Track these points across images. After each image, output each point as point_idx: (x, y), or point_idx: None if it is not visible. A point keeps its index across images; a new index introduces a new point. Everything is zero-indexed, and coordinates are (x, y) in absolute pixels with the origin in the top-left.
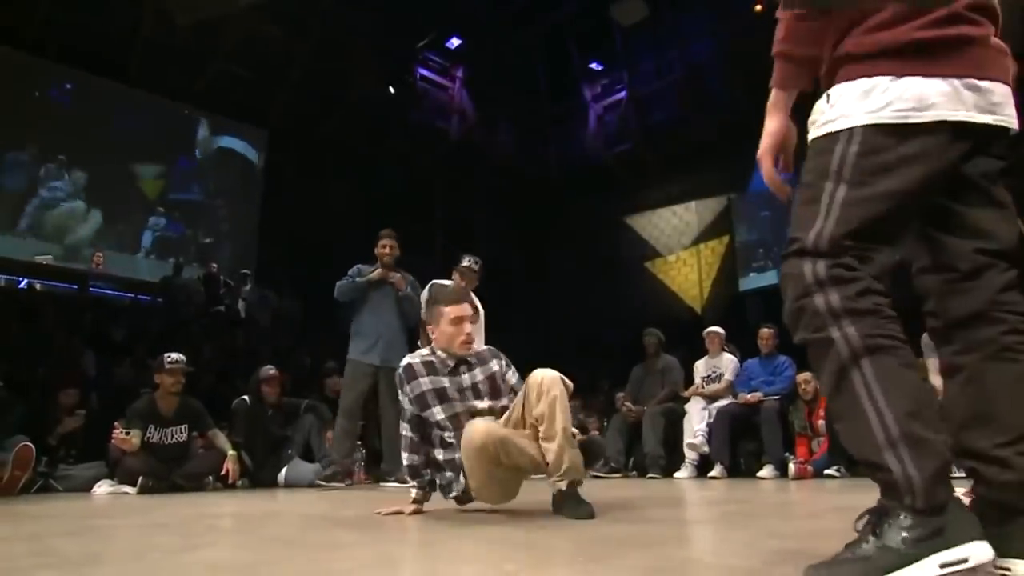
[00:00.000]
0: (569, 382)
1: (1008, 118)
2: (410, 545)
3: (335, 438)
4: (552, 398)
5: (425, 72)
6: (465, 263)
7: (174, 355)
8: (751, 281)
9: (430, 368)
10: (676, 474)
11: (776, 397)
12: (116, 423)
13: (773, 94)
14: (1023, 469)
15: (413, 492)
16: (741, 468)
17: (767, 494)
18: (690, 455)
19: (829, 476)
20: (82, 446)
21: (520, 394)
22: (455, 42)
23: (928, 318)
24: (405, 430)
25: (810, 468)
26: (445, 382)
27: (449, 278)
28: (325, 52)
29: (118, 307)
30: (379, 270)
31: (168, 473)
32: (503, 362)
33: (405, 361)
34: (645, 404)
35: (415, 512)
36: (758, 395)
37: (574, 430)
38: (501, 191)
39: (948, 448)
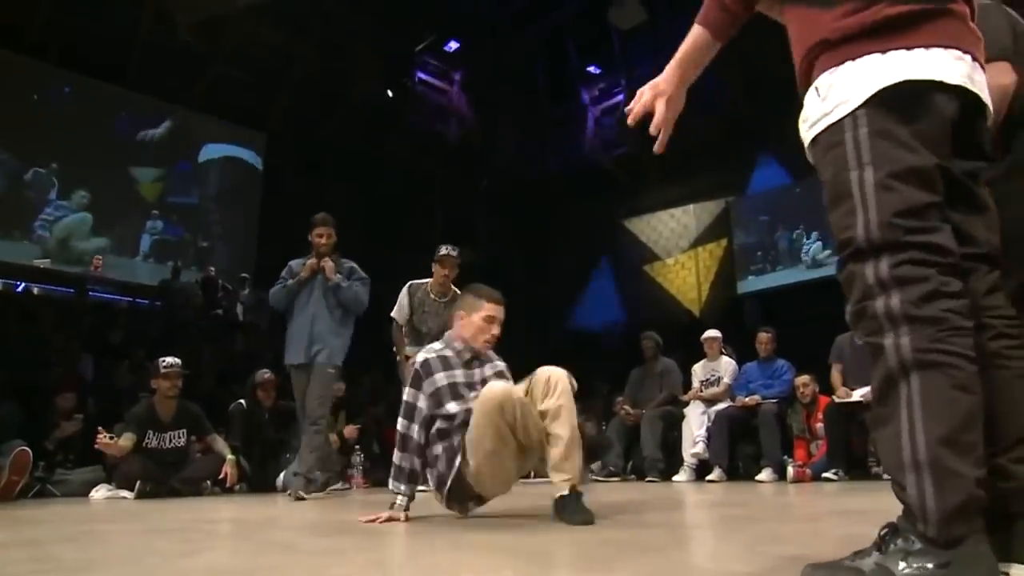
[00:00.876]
0: (575, 382)
1: (984, 95)
2: (408, 551)
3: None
4: (561, 395)
5: (424, 75)
6: (443, 251)
7: (169, 359)
8: (749, 284)
9: (445, 363)
10: (675, 477)
11: (774, 400)
12: (99, 428)
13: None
14: (1022, 477)
15: (398, 499)
16: (739, 471)
17: (765, 497)
18: (689, 459)
19: (827, 479)
20: (80, 450)
21: (524, 384)
22: (453, 45)
23: None
24: (408, 429)
25: (808, 471)
26: (459, 376)
27: (452, 278)
28: (324, 55)
29: (116, 311)
30: (309, 263)
31: (166, 478)
32: (501, 364)
33: (421, 356)
34: (643, 407)
35: (391, 520)
36: (756, 398)
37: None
38: (500, 194)
39: (981, 483)
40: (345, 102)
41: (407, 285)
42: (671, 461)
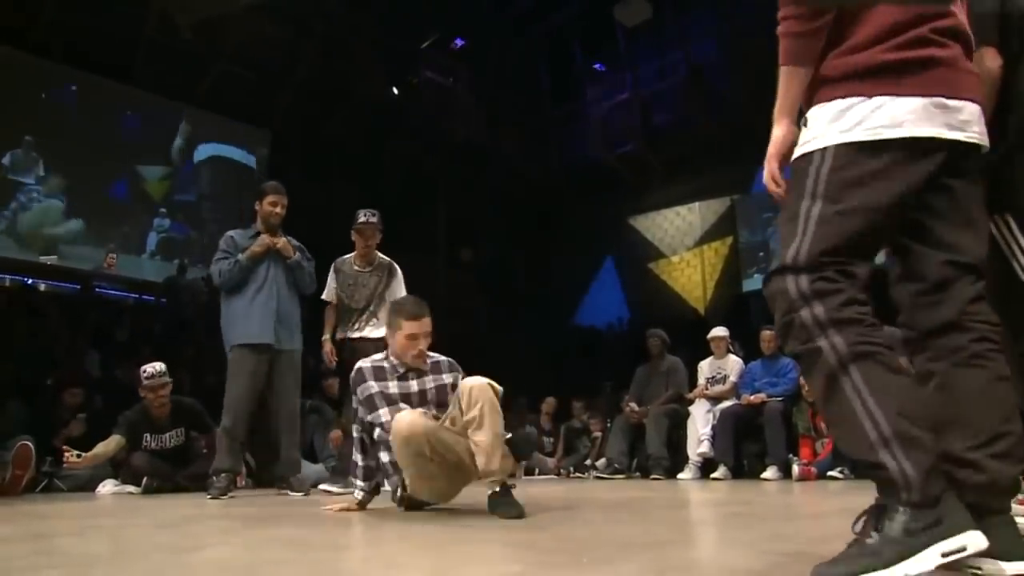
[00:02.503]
0: (498, 387)
1: (977, 136)
2: (414, 546)
3: (220, 446)
4: (480, 405)
5: (429, 73)
6: (362, 219)
7: (150, 368)
8: (754, 282)
9: (379, 373)
10: (679, 475)
11: (780, 398)
12: (66, 447)
13: (780, 94)
14: (993, 471)
15: (359, 495)
16: (744, 469)
17: (771, 496)
18: (694, 457)
19: (833, 478)
20: (87, 448)
21: (454, 399)
22: (459, 43)
23: (902, 329)
24: (356, 432)
25: (814, 470)
26: (392, 387)
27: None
28: (329, 53)
29: (122, 308)
30: (263, 238)
31: (172, 474)
32: (458, 376)
33: (357, 365)
34: (649, 405)
35: (346, 509)
36: (762, 396)
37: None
38: (504, 192)
39: (937, 444)
40: (349, 100)
41: (333, 264)
42: (676, 459)
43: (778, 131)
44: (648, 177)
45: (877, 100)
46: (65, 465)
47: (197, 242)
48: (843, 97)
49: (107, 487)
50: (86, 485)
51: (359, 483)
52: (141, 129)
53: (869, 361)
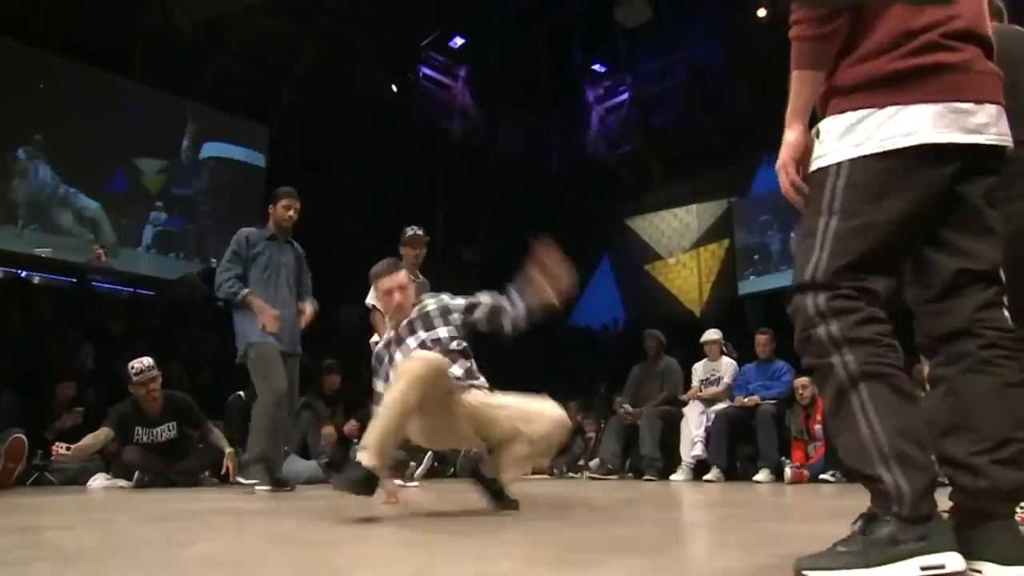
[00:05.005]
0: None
1: (998, 137)
2: (407, 542)
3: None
4: (547, 438)
5: (429, 71)
6: (411, 232)
7: (138, 364)
8: (750, 285)
9: (387, 347)
10: (672, 477)
11: (773, 401)
12: (56, 442)
13: (791, 98)
14: (995, 477)
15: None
16: (737, 472)
17: (763, 498)
18: (687, 458)
19: (824, 481)
20: (78, 439)
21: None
22: (459, 41)
23: (917, 335)
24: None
25: (806, 472)
26: (396, 354)
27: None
28: (329, 50)
29: (117, 301)
30: (268, 310)
31: (164, 468)
32: (443, 301)
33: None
34: (643, 405)
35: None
36: (755, 399)
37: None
38: (503, 191)
39: (934, 465)
40: (349, 97)
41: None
42: (669, 460)
43: (791, 135)
44: (646, 178)
45: (889, 110)
46: (53, 458)
47: (193, 236)
48: (855, 109)
49: (98, 481)
50: (77, 479)
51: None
52: (140, 122)
53: (878, 381)
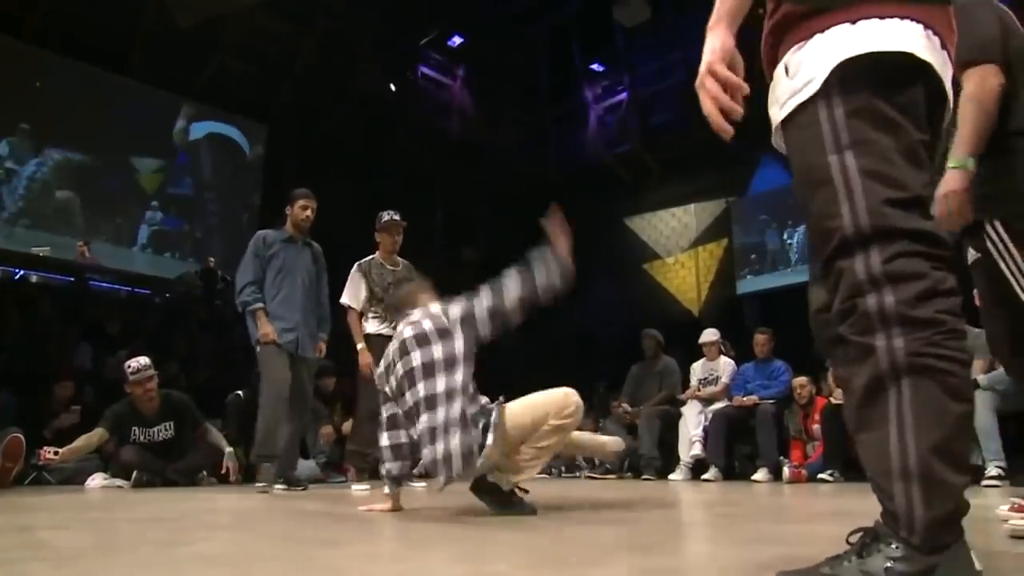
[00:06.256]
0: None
1: (947, 82)
2: (403, 543)
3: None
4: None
5: (427, 70)
6: (386, 217)
7: (134, 363)
8: (748, 284)
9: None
10: (670, 476)
11: (772, 401)
12: (44, 447)
13: (717, 3)
14: None
15: (389, 487)
16: (735, 471)
17: (761, 497)
18: (685, 458)
19: (823, 480)
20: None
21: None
22: (457, 40)
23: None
24: (386, 411)
25: (804, 472)
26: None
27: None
28: (327, 48)
29: (115, 300)
30: (267, 328)
31: (162, 468)
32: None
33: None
34: (642, 405)
35: (394, 509)
36: (754, 398)
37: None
38: (501, 190)
39: (965, 490)
40: (347, 96)
41: (356, 266)
42: (668, 460)
43: (716, 40)
44: (644, 178)
45: (864, 24)
46: (42, 462)
47: (190, 236)
48: (823, 30)
49: (96, 481)
50: (75, 478)
51: (388, 466)
52: (137, 121)
53: (927, 379)
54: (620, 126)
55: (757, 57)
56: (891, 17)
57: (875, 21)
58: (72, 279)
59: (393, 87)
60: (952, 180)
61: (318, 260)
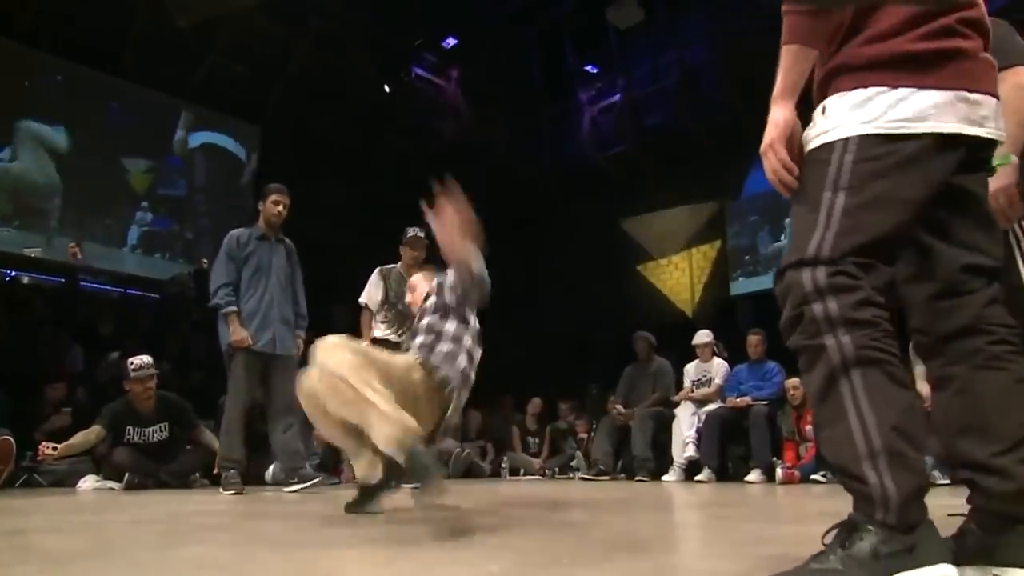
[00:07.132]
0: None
1: (996, 131)
2: (395, 545)
3: (225, 439)
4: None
5: (421, 71)
6: (411, 233)
7: (137, 360)
8: (742, 285)
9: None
10: (664, 477)
11: (765, 402)
12: (43, 443)
13: (781, 75)
14: (1022, 477)
15: None
16: (729, 472)
17: (754, 498)
18: (678, 459)
19: (816, 481)
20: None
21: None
22: (451, 42)
23: (914, 334)
24: None
25: (797, 473)
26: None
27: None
28: (321, 50)
29: (106, 301)
30: (240, 334)
31: (154, 470)
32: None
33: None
34: (635, 406)
35: None
36: (747, 399)
37: None
38: (494, 191)
39: (927, 467)
40: (341, 97)
41: (377, 270)
42: (661, 461)
43: (779, 114)
44: (638, 179)
45: (901, 91)
46: (40, 458)
47: (180, 237)
48: (864, 87)
49: (88, 483)
50: (66, 481)
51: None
52: (128, 121)
53: (874, 368)
54: (614, 127)
55: (757, 66)
56: (927, 88)
57: (911, 91)
58: (63, 280)
59: (387, 88)
60: (999, 177)
61: (291, 257)
